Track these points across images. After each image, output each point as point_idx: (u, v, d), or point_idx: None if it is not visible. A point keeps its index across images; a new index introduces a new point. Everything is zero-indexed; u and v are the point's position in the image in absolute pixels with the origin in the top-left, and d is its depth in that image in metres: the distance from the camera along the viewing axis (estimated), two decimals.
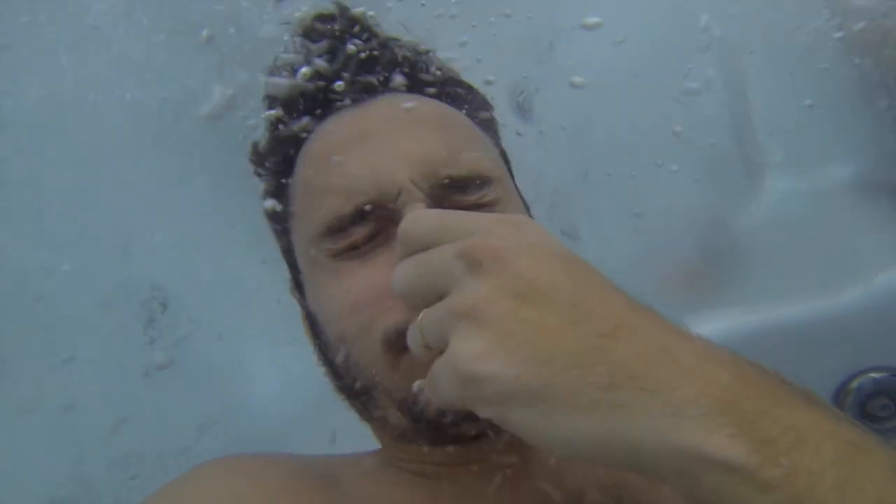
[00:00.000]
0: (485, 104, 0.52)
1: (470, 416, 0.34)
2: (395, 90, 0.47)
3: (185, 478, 0.42)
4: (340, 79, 0.46)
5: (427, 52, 0.51)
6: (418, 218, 0.35)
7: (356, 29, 0.48)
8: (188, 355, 0.92)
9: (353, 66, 0.46)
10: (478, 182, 0.43)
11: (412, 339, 0.34)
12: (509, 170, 0.51)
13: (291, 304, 0.50)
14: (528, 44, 1.17)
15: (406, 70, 0.48)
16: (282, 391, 1.01)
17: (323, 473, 0.44)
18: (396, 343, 0.38)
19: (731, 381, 0.26)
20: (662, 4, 1.05)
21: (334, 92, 0.46)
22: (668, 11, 1.01)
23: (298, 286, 0.49)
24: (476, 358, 0.28)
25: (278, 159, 0.48)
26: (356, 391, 0.43)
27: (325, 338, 0.45)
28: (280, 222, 0.49)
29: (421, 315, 0.32)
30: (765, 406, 0.25)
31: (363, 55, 0.47)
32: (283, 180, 0.48)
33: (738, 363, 0.27)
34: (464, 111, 0.49)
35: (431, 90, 0.48)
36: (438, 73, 0.49)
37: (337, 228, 0.42)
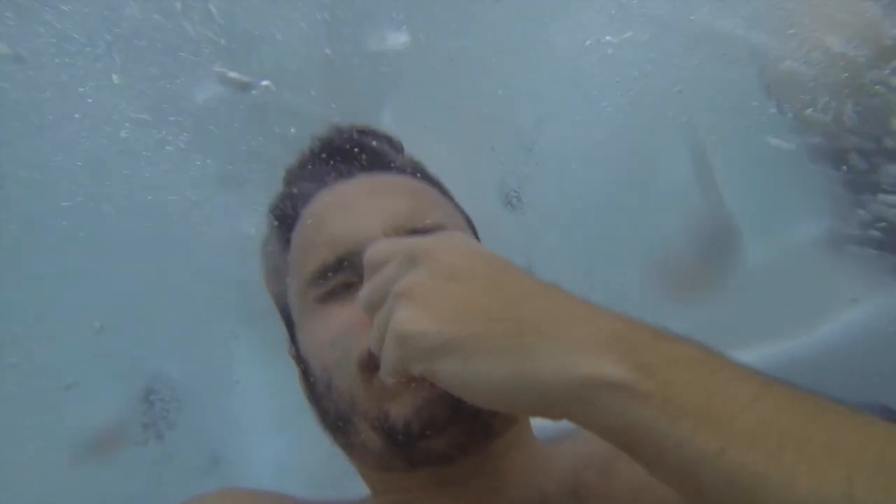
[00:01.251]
0: (433, 177, 0.61)
1: (434, 427, 0.42)
2: (373, 171, 0.57)
3: None
4: (331, 163, 0.56)
5: (399, 144, 0.61)
6: (376, 244, 0.42)
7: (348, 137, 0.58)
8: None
9: (342, 154, 0.57)
10: (434, 229, 0.50)
11: (371, 338, 0.40)
12: (473, 230, 0.59)
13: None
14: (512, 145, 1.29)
15: (381, 156, 0.58)
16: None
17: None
18: (369, 364, 0.44)
19: (619, 327, 0.32)
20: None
21: (326, 173, 0.56)
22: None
23: (293, 339, 0.55)
24: (408, 321, 0.35)
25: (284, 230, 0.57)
26: (339, 419, 0.48)
27: (313, 376, 0.50)
28: (279, 284, 0.56)
29: (375, 316, 0.39)
30: (645, 342, 0.31)
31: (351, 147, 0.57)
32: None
33: (627, 317, 0.33)
34: (422, 181, 0.58)
35: (402, 171, 0.58)
36: (407, 159, 0.59)
37: (322, 275, 0.49)
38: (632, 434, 0.30)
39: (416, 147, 0.64)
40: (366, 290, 0.41)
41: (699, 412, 0.29)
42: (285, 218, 0.57)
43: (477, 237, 0.60)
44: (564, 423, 0.42)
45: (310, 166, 0.57)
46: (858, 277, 0.83)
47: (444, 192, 0.60)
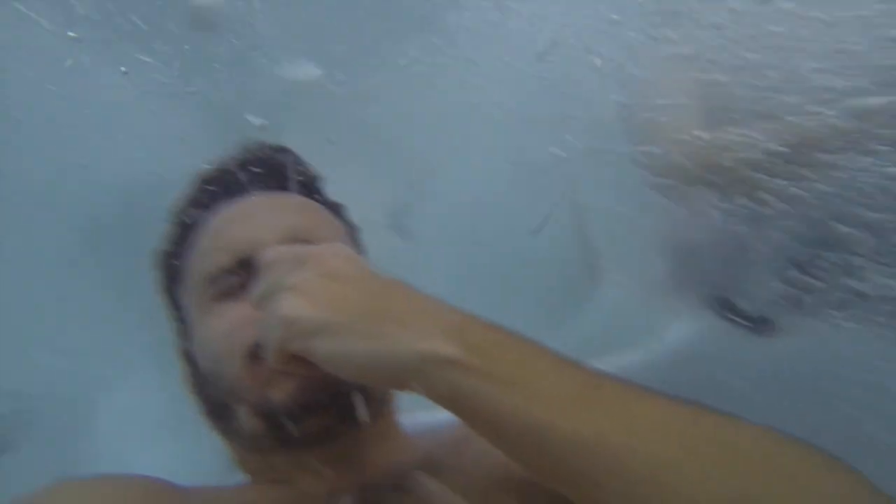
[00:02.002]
0: (331, 201, 0.69)
1: (310, 410, 0.49)
2: (271, 190, 0.64)
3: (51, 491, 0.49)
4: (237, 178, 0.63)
5: (297, 158, 0.67)
6: (271, 249, 0.50)
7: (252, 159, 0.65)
8: None
9: (244, 169, 0.64)
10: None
11: (259, 327, 0.47)
12: (359, 244, 0.68)
13: None
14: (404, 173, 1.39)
15: (280, 175, 0.64)
16: None
17: (175, 489, 0.53)
18: (255, 354, 0.50)
19: (456, 318, 0.43)
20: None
21: (226, 191, 0.63)
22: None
23: (185, 337, 0.61)
24: (292, 308, 0.43)
25: (181, 234, 0.63)
26: (221, 406, 0.54)
27: (199, 368, 0.56)
28: (174, 286, 0.63)
29: (265, 308, 0.46)
30: (475, 329, 0.42)
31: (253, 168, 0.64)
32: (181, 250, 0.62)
33: (463, 311, 0.44)
34: (320, 203, 0.66)
35: (296, 190, 0.65)
36: (302, 178, 0.66)
37: (219, 276, 0.56)
38: (461, 399, 0.40)
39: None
40: (258, 286, 0.48)
41: (510, 379, 0.39)
42: (188, 226, 0.63)
43: (363, 254, 0.68)
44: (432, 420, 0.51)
45: (213, 183, 0.63)
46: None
47: (340, 214, 0.68)
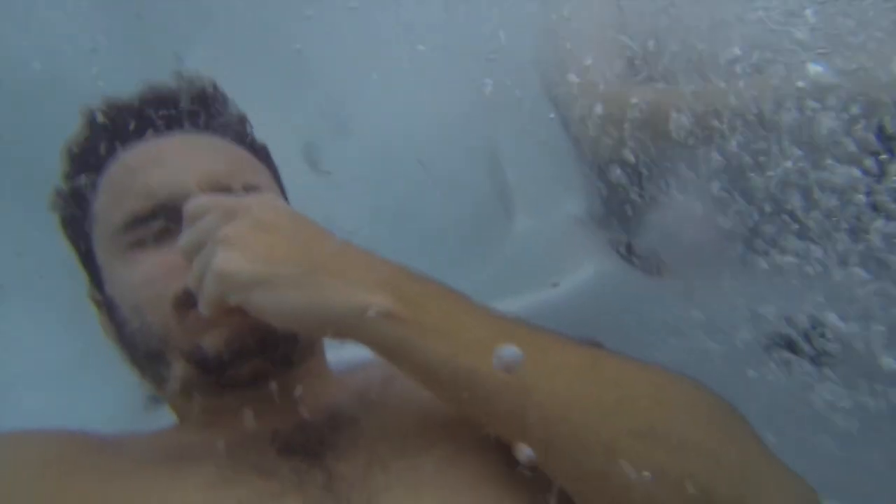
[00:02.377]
0: (256, 142, 0.66)
1: (242, 356, 0.50)
2: (192, 129, 0.60)
3: None
4: (149, 115, 0.59)
5: (220, 98, 0.64)
6: (198, 199, 0.49)
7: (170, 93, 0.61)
8: None
9: (160, 106, 0.60)
10: (247, 190, 0.56)
11: (190, 278, 0.46)
12: (280, 187, 0.66)
13: None
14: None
15: (201, 114, 0.61)
16: None
17: (101, 441, 0.52)
18: (184, 303, 0.49)
19: (388, 270, 0.45)
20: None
21: (143, 124, 0.59)
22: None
23: (97, 284, 0.58)
24: (228, 261, 0.44)
25: (85, 174, 0.59)
26: (149, 354, 0.53)
27: (120, 316, 0.55)
28: (79, 229, 0.59)
29: (195, 260, 0.46)
30: (406, 282, 0.44)
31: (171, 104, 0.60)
32: (87, 191, 0.58)
33: (395, 264, 0.46)
34: (242, 146, 0.63)
35: (222, 133, 0.62)
36: (224, 118, 0.63)
37: (134, 224, 0.53)
38: (394, 347, 0.43)
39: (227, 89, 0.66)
40: (186, 237, 0.47)
41: (439, 329, 0.43)
42: (94, 163, 0.59)
43: (286, 199, 0.66)
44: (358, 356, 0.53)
45: (127, 114, 0.59)
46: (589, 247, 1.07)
47: (263, 157, 0.65)
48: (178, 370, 0.52)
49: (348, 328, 0.43)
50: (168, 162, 0.56)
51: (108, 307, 0.57)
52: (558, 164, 1.17)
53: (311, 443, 0.50)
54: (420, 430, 0.50)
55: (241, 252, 0.43)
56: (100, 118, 0.60)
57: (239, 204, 0.47)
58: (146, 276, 0.52)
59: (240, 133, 0.64)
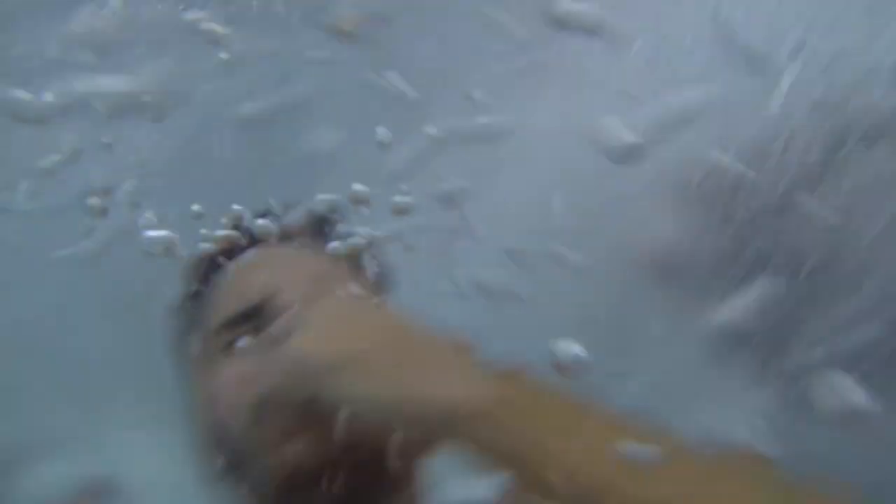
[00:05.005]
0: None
1: (326, 472, 0.43)
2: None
3: None
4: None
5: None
6: (280, 293, 0.48)
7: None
8: None
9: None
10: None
11: (269, 376, 0.42)
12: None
13: None
14: None
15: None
16: None
17: None
18: (263, 410, 0.45)
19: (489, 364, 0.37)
20: None
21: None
22: None
23: (191, 394, 0.56)
24: (301, 343, 0.40)
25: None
26: (229, 462, 0.49)
27: (209, 426, 0.51)
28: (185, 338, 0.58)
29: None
30: (516, 378, 0.37)
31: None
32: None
33: (500, 361, 0.38)
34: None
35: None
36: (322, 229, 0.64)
37: (230, 324, 0.51)
38: (496, 457, 0.35)
39: None
40: (269, 331, 0.44)
41: (555, 436, 0.34)
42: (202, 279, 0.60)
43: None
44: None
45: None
46: None
47: (361, 259, 0.63)
48: (260, 486, 0.47)
49: (440, 428, 0.36)
50: (264, 266, 0.57)
51: (198, 419, 0.54)
52: None
53: None
54: None
55: (317, 334, 0.40)
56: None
57: (319, 292, 0.45)
58: (230, 381, 0.49)
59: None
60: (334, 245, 0.62)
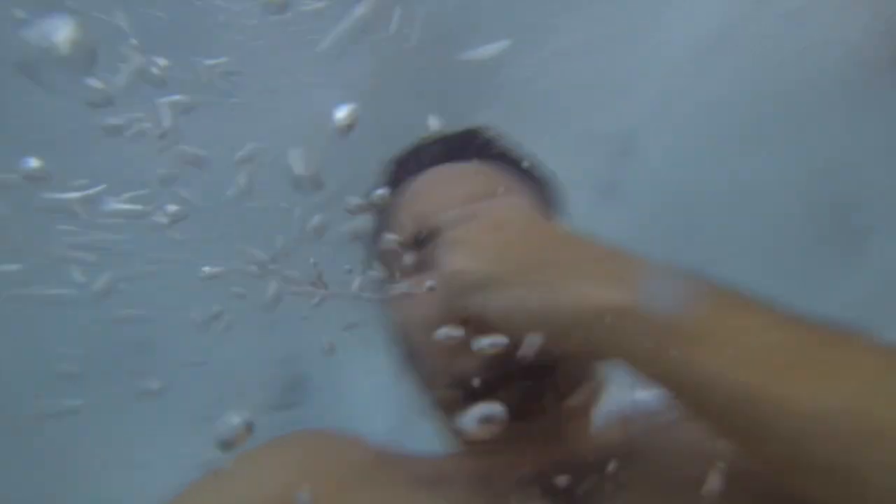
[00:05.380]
0: (523, 168, 0.65)
1: (501, 382, 0.46)
2: (454, 161, 0.61)
3: (262, 447, 0.52)
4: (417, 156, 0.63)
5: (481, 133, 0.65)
6: (443, 214, 0.49)
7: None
8: None
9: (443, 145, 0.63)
10: None
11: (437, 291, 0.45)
12: (550, 204, 0.63)
13: None
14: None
15: (460, 150, 0.62)
16: None
17: (391, 454, 0.54)
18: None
19: (639, 265, 0.37)
20: None
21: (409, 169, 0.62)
22: None
23: (389, 317, 0.61)
24: (456, 262, 0.41)
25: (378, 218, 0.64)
26: (421, 376, 0.53)
27: (402, 345, 0.56)
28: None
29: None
30: (658, 276, 0.36)
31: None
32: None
33: (655, 262, 0.37)
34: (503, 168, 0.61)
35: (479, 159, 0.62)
36: (485, 145, 0.63)
37: (403, 252, 0.55)
38: (639, 356, 0.34)
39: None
40: (437, 249, 0.46)
41: (702, 336, 0.32)
42: (381, 210, 0.63)
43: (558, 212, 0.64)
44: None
45: (397, 164, 0.64)
46: None
47: (529, 173, 0.63)
48: (445, 397, 0.51)
49: (586, 333, 0.36)
50: (429, 191, 0.58)
51: (396, 339, 0.59)
52: None
53: (570, 488, 0.44)
54: (692, 493, 0.40)
55: (469, 251, 0.42)
56: (386, 169, 0.65)
57: (475, 207, 0.46)
58: (413, 301, 0.53)
59: (501, 154, 0.63)
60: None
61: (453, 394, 0.49)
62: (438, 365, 0.51)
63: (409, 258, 0.55)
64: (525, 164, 0.65)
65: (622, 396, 0.53)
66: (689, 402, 0.34)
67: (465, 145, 0.63)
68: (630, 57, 1.21)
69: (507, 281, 0.39)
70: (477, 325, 0.42)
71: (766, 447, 0.31)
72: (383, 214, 0.64)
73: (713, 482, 0.39)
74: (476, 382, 0.47)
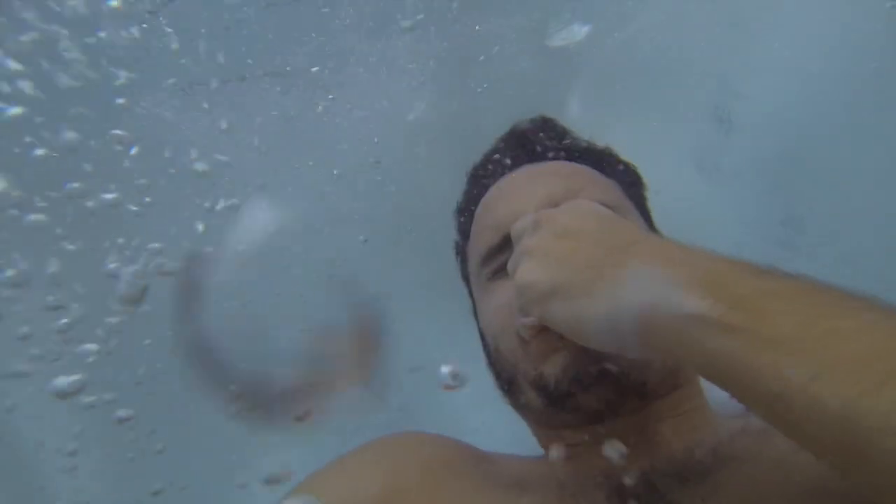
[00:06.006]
0: (613, 165, 0.63)
1: (581, 385, 0.45)
2: (538, 160, 0.61)
3: (372, 443, 0.54)
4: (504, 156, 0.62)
5: (560, 125, 0.64)
6: (521, 219, 0.48)
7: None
8: None
9: (515, 147, 0.62)
10: None
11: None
12: (640, 200, 0.61)
13: None
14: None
15: (539, 149, 0.61)
16: None
17: (483, 458, 0.54)
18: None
19: (714, 266, 0.34)
20: None
21: (492, 173, 0.62)
22: None
23: (476, 318, 0.62)
24: (525, 273, 0.41)
25: (466, 215, 0.64)
26: (506, 382, 0.53)
27: (485, 343, 0.57)
28: (463, 261, 0.64)
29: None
30: (740, 278, 0.33)
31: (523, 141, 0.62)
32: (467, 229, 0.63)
33: (728, 258, 0.35)
34: (598, 171, 0.60)
35: (564, 156, 0.61)
36: (563, 143, 0.62)
37: (490, 256, 0.55)
38: (718, 365, 0.32)
39: (604, 131, 0.66)
40: (511, 260, 0.47)
41: (788, 342, 0.29)
42: (466, 212, 0.64)
43: (645, 209, 0.61)
44: None
45: (480, 169, 0.64)
46: None
47: (611, 171, 0.61)
48: (529, 398, 0.50)
49: (658, 340, 0.34)
50: (511, 193, 0.57)
51: (480, 335, 0.60)
52: None
53: (652, 496, 0.43)
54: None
55: (538, 262, 0.41)
56: (469, 174, 0.65)
57: (543, 213, 0.45)
58: (496, 306, 0.53)
59: (580, 153, 0.62)
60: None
61: (536, 397, 0.49)
62: (521, 370, 0.50)
63: (493, 262, 0.55)
64: (603, 156, 0.63)
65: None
66: (769, 416, 0.31)
67: (540, 142, 0.62)
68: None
69: (571, 291, 0.39)
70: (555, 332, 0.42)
71: (861, 470, 0.27)
72: (466, 225, 0.64)
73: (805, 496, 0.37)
74: (558, 386, 0.47)
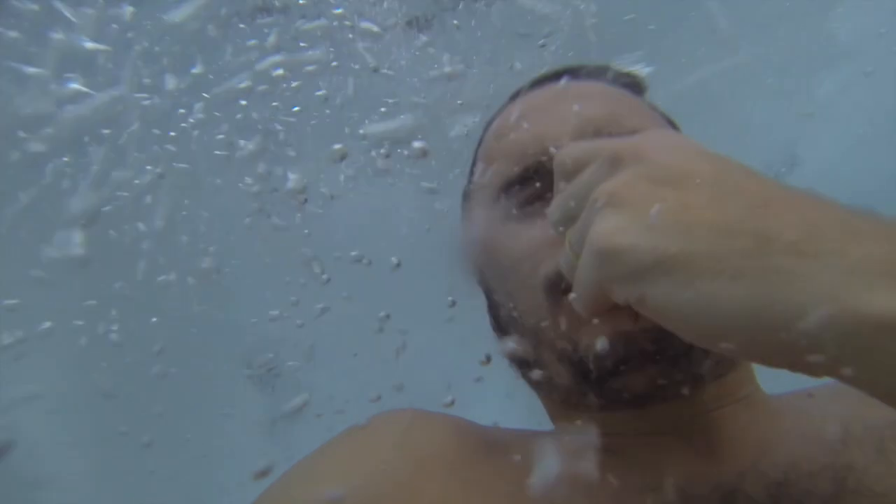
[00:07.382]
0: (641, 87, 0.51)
1: (631, 363, 0.34)
2: (565, 76, 0.47)
3: (361, 426, 0.42)
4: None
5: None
6: (569, 148, 0.35)
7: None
8: None
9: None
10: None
11: (563, 257, 0.33)
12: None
13: None
14: None
15: (579, 69, 0.49)
16: None
17: (491, 440, 0.42)
18: (556, 286, 0.37)
19: (890, 248, 0.23)
20: None
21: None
22: None
23: (477, 256, 0.48)
24: (613, 233, 0.28)
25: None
26: (524, 352, 0.41)
27: (495, 303, 0.45)
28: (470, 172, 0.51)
29: (569, 232, 0.32)
30: None
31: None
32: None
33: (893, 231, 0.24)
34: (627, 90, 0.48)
35: (603, 79, 0.48)
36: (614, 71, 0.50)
37: (504, 192, 0.43)
38: None
39: None
40: (557, 201, 0.34)
41: None
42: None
43: None
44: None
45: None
46: None
47: (655, 106, 0.50)
48: (553, 374, 0.39)
49: (829, 355, 0.23)
50: (542, 113, 0.44)
51: (486, 293, 0.48)
52: None
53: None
54: None
55: (633, 218, 0.28)
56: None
57: (626, 146, 0.31)
58: (516, 254, 0.41)
59: (623, 77, 0.49)
60: None
61: (567, 374, 0.38)
62: (550, 337, 0.39)
63: (515, 197, 0.43)
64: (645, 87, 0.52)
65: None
66: None
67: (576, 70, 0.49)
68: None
69: (699, 267, 0.26)
70: (631, 313, 0.30)
71: None
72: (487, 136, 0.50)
73: None
74: (600, 363, 0.36)
